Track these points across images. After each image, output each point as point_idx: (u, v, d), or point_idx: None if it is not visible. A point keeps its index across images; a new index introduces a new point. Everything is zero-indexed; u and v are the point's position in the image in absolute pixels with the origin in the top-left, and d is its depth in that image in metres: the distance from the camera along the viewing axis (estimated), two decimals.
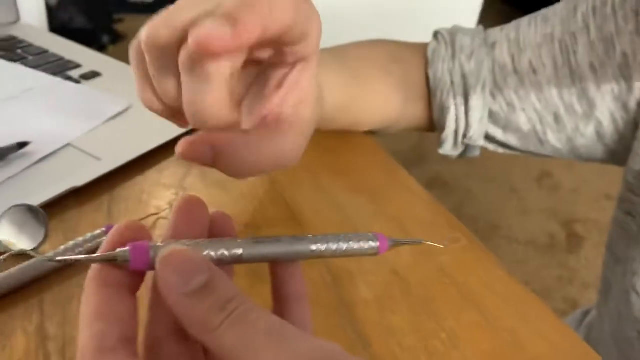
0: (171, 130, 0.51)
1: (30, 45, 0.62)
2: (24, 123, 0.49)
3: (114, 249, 0.21)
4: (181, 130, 0.51)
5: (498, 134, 0.53)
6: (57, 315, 0.34)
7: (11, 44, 0.62)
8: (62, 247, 0.37)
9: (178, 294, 0.19)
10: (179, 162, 0.49)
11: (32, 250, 0.38)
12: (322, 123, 0.45)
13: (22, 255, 0.37)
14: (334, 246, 0.24)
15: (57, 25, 0.69)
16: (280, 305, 0.25)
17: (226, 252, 0.22)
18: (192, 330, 0.20)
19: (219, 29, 0.21)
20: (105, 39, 2.54)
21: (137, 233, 0.22)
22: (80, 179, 0.43)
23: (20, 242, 0.38)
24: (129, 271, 0.21)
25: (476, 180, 1.93)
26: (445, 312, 0.38)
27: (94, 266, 0.21)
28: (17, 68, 0.56)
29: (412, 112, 0.55)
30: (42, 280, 0.36)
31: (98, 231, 0.38)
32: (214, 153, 0.25)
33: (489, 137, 0.54)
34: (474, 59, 0.51)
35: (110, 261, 0.21)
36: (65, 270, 0.37)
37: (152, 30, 0.25)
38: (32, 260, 0.36)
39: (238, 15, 0.22)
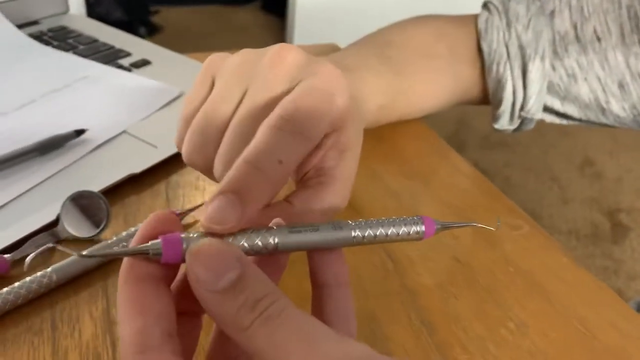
0: None
1: (80, 34, 0.63)
2: (80, 111, 0.49)
3: (146, 242, 0.20)
4: None
5: (556, 104, 0.52)
6: None
7: (62, 33, 0.63)
8: (124, 233, 0.37)
9: (208, 291, 0.19)
10: None
11: (94, 235, 0.38)
12: (367, 125, 0.45)
13: (86, 241, 0.38)
14: (375, 232, 0.23)
15: (95, 17, 0.69)
16: (319, 291, 0.24)
17: (260, 243, 0.21)
18: (224, 327, 0.19)
19: (227, 213, 0.21)
20: (142, 30, 2.58)
21: (170, 224, 0.21)
22: (138, 166, 0.43)
23: (83, 227, 0.38)
24: (162, 264, 0.20)
25: (515, 168, 1.89)
26: (511, 300, 0.37)
27: (126, 260, 0.21)
28: (70, 57, 0.57)
29: (463, 89, 0.54)
30: (105, 266, 0.36)
31: None
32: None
33: (546, 109, 0.53)
34: (531, 29, 0.49)
35: (143, 254, 0.20)
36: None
37: (187, 158, 0.30)
38: (94, 247, 0.36)
39: (244, 190, 0.22)
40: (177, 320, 0.21)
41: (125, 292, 0.20)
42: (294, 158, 0.24)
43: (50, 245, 0.31)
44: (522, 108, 0.52)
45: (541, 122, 0.55)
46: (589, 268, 0.40)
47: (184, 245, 0.20)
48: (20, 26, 0.60)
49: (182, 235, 0.20)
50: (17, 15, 0.61)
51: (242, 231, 0.21)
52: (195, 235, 0.20)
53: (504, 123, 0.54)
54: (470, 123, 2.02)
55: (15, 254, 0.35)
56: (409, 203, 0.45)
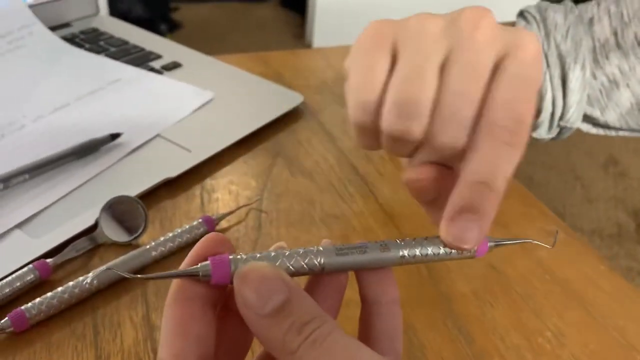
0: (254, 121, 0.51)
1: (111, 36, 0.63)
2: (113, 114, 0.50)
3: (197, 263, 0.21)
4: (263, 122, 0.51)
5: (596, 113, 0.51)
6: (161, 306, 0.34)
7: (94, 36, 0.63)
8: (162, 238, 0.37)
9: (256, 315, 0.19)
10: (264, 153, 0.49)
11: (132, 239, 0.38)
12: None
13: (124, 246, 0.38)
14: (425, 251, 0.23)
15: (117, 14, 0.70)
16: (368, 308, 0.24)
17: (306, 265, 0.22)
18: (271, 351, 0.19)
19: (474, 234, 0.22)
20: (163, 27, 2.59)
21: (220, 246, 0.22)
22: (173, 170, 0.43)
23: (121, 232, 0.38)
24: (211, 285, 0.21)
25: (538, 167, 1.87)
26: (548, 309, 0.36)
27: (175, 281, 0.21)
28: (102, 60, 0.58)
29: None
30: (145, 271, 0.37)
31: (195, 222, 0.39)
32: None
33: (586, 117, 0.52)
34: (570, 38, 0.49)
35: (193, 276, 0.20)
36: (166, 261, 0.37)
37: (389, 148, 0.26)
38: (134, 251, 0.36)
39: (482, 211, 0.22)
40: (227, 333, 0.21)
41: (170, 312, 0.20)
42: (513, 169, 0.24)
43: (104, 268, 0.31)
44: (561, 117, 0.51)
45: None
46: (613, 268, 0.40)
47: (233, 268, 0.20)
48: (52, 28, 0.61)
49: (231, 257, 0.21)
50: (49, 17, 0.62)
51: (290, 253, 0.21)
52: (243, 257, 0.21)
53: (542, 132, 0.53)
54: None
55: (57, 259, 0.36)
56: None
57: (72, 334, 0.32)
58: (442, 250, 0.23)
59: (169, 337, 0.20)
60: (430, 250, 0.23)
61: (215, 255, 0.21)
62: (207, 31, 2.59)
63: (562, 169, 1.88)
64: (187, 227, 0.38)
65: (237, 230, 0.41)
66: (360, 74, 0.26)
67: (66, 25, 0.65)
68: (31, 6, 0.61)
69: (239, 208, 0.42)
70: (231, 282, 0.20)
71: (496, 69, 0.25)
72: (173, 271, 0.20)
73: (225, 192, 0.44)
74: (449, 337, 0.34)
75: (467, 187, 0.23)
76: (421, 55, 0.25)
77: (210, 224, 0.39)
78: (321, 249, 0.22)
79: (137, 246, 0.38)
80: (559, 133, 0.53)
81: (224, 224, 0.41)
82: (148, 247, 0.37)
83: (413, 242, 0.23)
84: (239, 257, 0.21)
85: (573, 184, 1.82)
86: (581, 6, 0.51)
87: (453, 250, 0.23)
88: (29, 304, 0.32)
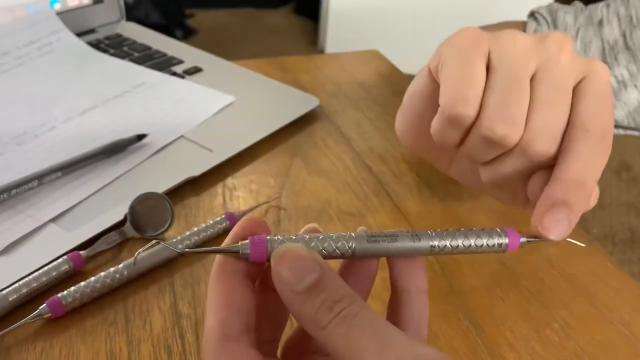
0: (273, 124, 0.53)
1: (134, 42, 0.66)
2: (139, 117, 0.52)
3: (237, 242, 0.23)
4: (281, 124, 0.53)
5: None
6: (188, 296, 0.37)
7: (118, 41, 0.66)
8: (188, 233, 0.40)
9: (290, 291, 0.21)
10: (282, 153, 0.51)
11: (159, 233, 0.40)
12: None
13: (151, 240, 0.40)
14: (456, 243, 0.23)
15: (134, 20, 0.72)
16: (397, 296, 0.25)
17: (338, 250, 0.23)
18: (304, 325, 0.21)
19: (567, 226, 0.25)
20: (179, 33, 2.63)
21: (259, 228, 0.24)
22: (197, 169, 0.46)
23: (149, 227, 0.41)
24: (249, 262, 0.23)
25: None
26: (556, 303, 0.38)
27: (218, 257, 0.23)
28: (127, 65, 0.60)
29: None
30: (171, 263, 0.39)
31: (218, 218, 0.41)
32: None
33: None
34: (579, 39, 0.50)
35: (233, 253, 0.22)
36: (191, 255, 0.39)
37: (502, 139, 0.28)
38: (162, 245, 0.39)
39: (574, 205, 0.25)
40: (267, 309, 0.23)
41: (215, 285, 0.22)
42: (601, 171, 0.27)
43: (154, 242, 0.33)
44: None
45: None
46: (620, 266, 0.41)
47: (269, 247, 0.22)
48: (78, 34, 0.64)
49: (268, 238, 0.22)
50: (75, 24, 0.65)
51: (323, 237, 0.23)
52: (280, 238, 0.23)
53: None
54: None
55: (89, 251, 0.38)
56: (455, 208, 0.46)
57: (105, 321, 0.35)
58: (472, 243, 0.24)
59: (215, 306, 0.22)
60: (460, 242, 0.23)
61: (253, 235, 0.23)
62: (221, 37, 2.62)
63: None
64: (211, 222, 0.40)
65: None
66: (461, 69, 0.28)
67: (91, 31, 0.68)
68: (58, 13, 0.64)
69: (259, 205, 0.44)
70: (268, 261, 0.22)
71: (576, 88, 0.28)
72: (217, 247, 0.23)
73: (246, 190, 0.46)
74: (460, 328, 0.36)
75: (563, 183, 0.25)
76: (517, 67, 0.28)
77: (233, 219, 0.41)
78: (353, 234, 0.23)
79: (164, 240, 0.40)
80: None
81: None
82: (174, 240, 0.39)
83: (444, 234, 0.24)
84: (275, 238, 0.22)
85: None
86: (591, 7, 0.53)
87: (483, 244, 0.24)
88: (65, 292, 0.34)
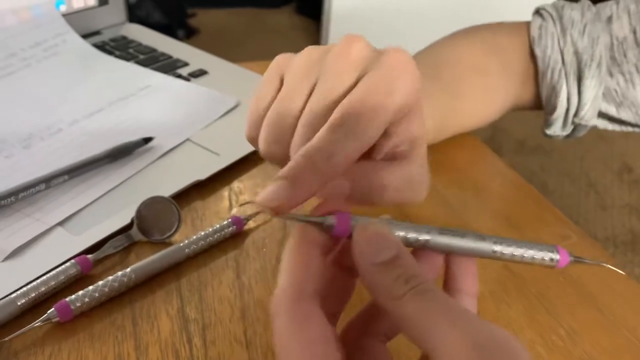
0: None
1: (139, 44, 0.66)
2: (144, 119, 0.52)
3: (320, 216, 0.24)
4: None
5: (612, 110, 0.52)
6: (195, 300, 0.37)
7: (123, 43, 0.66)
8: (195, 237, 0.40)
9: (368, 263, 0.22)
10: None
11: (166, 237, 0.41)
12: None
13: (157, 244, 0.40)
14: (515, 251, 0.24)
15: (135, 21, 0.72)
16: (452, 297, 0.26)
17: (414, 236, 0.24)
18: (377, 296, 0.22)
19: (278, 194, 0.24)
20: (181, 33, 2.63)
21: (339, 206, 0.25)
22: (203, 173, 0.46)
23: (155, 230, 0.41)
24: (329, 235, 0.24)
25: (552, 174, 1.88)
26: (562, 308, 0.38)
27: (299, 226, 0.24)
28: (133, 67, 0.60)
29: (515, 99, 0.55)
30: (178, 267, 0.39)
31: (225, 222, 0.41)
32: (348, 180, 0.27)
33: (601, 114, 0.53)
34: (587, 35, 0.50)
35: (318, 224, 0.24)
36: (198, 258, 0.40)
37: (264, 151, 0.30)
38: (169, 249, 0.39)
39: (295, 178, 0.24)
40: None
41: (294, 250, 0.23)
42: (345, 156, 0.26)
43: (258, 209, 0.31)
44: (576, 114, 0.52)
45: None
46: (626, 272, 0.41)
47: (352, 223, 0.23)
48: (83, 36, 0.64)
49: (352, 215, 0.24)
50: (80, 26, 0.65)
51: (400, 224, 0.24)
52: (362, 217, 0.24)
53: (557, 129, 0.55)
54: (506, 128, 2.01)
55: (96, 255, 0.38)
56: (460, 212, 0.46)
57: (113, 325, 0.35)
58: (530, 254, 0.24)
59: (292, 268, 0.23)
60: (520, 252, 0.24)
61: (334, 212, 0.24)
62: (223, 37, 2.63)
63: (576, 176, 1.89)
64: (218, 226, 0.41)
65: (263, 230, 0.43)
66: (252, 100, 0.32)
67: (96, 33, 0.68)
68: (64, 15, 0.64)
69: (250, 202, 0.44)
70: (348, 236, 0.23)
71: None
72: (304, 216, 0.24)
73: (252, 194, 0.46)
74: None
75: (292, 159, 0.26)
76: (292, 85, 0.30)
77: (239, 223, 0.41)
78: (426, 226, 0.24)
79: (170, 244, 0.40)
80: (574, 130, 0.54)
81: (251, 224, 0.43)
82: (182, 244, 0.39)
83: (503, 241, 0.24)
84: (358, 216, 0.24)
85: (587, 191, 1.83)
86: (599, 5, 0.52)
87: (539, 257, 0.25)
88: (73, 296, 0.35)
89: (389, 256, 0.22)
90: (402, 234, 0.24)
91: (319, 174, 0.25)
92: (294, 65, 0.31)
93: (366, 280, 0.22)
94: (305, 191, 0.24)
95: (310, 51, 0.31)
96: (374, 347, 0.25)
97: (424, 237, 0.24)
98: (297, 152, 0.26)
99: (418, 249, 0.25)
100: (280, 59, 0.32)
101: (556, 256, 0.25)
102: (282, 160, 0.30)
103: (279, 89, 0.31)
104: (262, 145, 0.31)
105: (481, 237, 0.24)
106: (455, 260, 0.26)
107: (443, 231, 0.24)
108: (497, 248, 0.24)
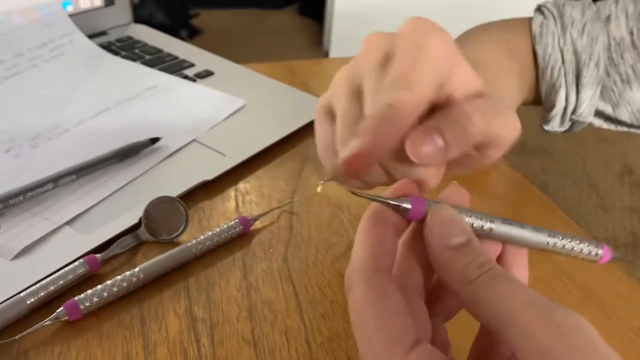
0: (284, 128, 0.53)
1: (145, 45, 0.66)
2: (151, 120, 0.52)
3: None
4: (292, 129, 0.53)
5: (608, 109, 0.52)
6: (202, 300, 0.37)
7: (129, 44, 0.66)
8: (202, 236, 0.40)
9: (441, 245, 0.22)
10: (293, 158, 0.51)
11: (174, 237, 0.41)
12: None
13: (165, 244, 0.41)
14: (564, 243, 0.25)
15: (140, 21, 0.73)
16: None
17: (480, 224, 0.24)
18: (448, 279, 0.22)
19: (362, 146, 0.25)
20: (184, 33, 2.63)
21: (412, 191, 0.25)
22: (210, 173, 0.46)
23: (163, 230, 0.41)
24: (404, 218, 0.24)
25: (553, 175, 1.88)
26: None
27: (373, 204, 0.24)
28: (139, 67, 0.60)
29: (525, 98, 0.55)
30: (186, 267, 0.39)
31: (232, 222, 0.41)
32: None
33: (598, 113, 0.54)
34: (586, 34, 0.50)
35: (394, 206, 0.24)
36: (205, 258, 0.40)
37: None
38: (177, 248, 0.39)
39: (372, 130, 0.25)
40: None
41: (369, 226, 0.23)
42: (408, 108, 0.26)
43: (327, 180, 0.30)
44: (573, 112, 0.53)
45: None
46: (630, 274, 0.41)
47: (427, 207, 0.24)
48: (89, 37, 0.64)
49: (426, 199, 0.24)
50: (86, 26, 0.65)
51: (467, 211, 0.25)
52: (436, 202, 0.24)
53: (555, 125, 0.55)
54: None
55: (105, 254, 0.38)
56: None
57: (121, 324, 0.35)
58: (578, 248, 0.26)
59: (369, 242, 0.23)
60: (570, 245, 0.25)
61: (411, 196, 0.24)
62: (226, 37, 2.63)
63: (577, 177, 1.89)
64: (225, 226, 0.41)
65: (270, 230, 0.43)
66: (319, 147, 0.32)
67: (102, 33, 0.68)
68: (70, 15, 0.64)
69: (271, 210, 0.44)
70: (422, 220, 0.24)
71: None
72: (381, 197, 0.24)
73: (258, 194, 0.47)
74: (473, 334, 0.36)
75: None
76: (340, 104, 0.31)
77: (246, 223, 0.42)
78: (490, 215, 0.25)
79: (178, 244, 0.40)
80: (571, 127, 0.55)
81: (258, 224, 0.43)
82: (189, 244, 0.39)
83: (556, 233, 0.25)
84: (433, 201, 0.24)
85: (588, 193, 1.83)
86: (599, 3, 0.53)
87: (586, 250, 0.26)
88: (82, 295, 0.35)
89: (462, 241, 0.22)
90: (470, 220, 0.24)
91: (389, 123, 0.25)
92: (335, 90, 0.32)
93: (438, 262, 0.23)
94: (383, 140, 0.25)
95: (342, 69, 0.33)
96: (433, 325, 0.25)
97: (488, 225, 0.25)
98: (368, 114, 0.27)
99: (479, 236, 0.25)
100: (321, 100, 0.33)
101: (600, 251, 0.26)
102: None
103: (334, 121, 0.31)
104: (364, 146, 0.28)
105: (537, 229, 0.25)
106: (510, 249, 0.26)
107: (505, 221, 0.25)
108: (551, 240, 0.25)
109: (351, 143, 0.25)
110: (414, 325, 0.22)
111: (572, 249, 0.26)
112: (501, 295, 0.20)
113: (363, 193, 0.25)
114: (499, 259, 0.27)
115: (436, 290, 0.27)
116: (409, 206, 0.24)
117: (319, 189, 0.26)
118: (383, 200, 0.24)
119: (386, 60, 0.29)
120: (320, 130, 0.32)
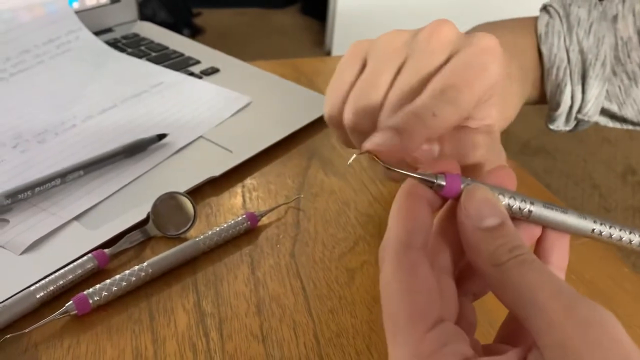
0: (290, 125, 0.53)
1: (151, 42, 0.66)
2: (157, 116, 0.52)
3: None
4: (299, 126, 0.53)
5: (614, 108, 0.52)
6: (211, 295, 0.37)
7: (135, 41, 0.66)
8: (210, 232, 0.40)
9: (474, 226, 0.22)
10: (300, 154, 0.51)
11: (181, 233, 0.41)
12: None
13: (172, 239, 0.41)
14: (614, 233, 0.25)
15: (143, 18, 0.73)
16: None
17: (519, 206, 0.24)
18: (477, 260, 0.22)
19: (385, 141, 0.25)
20: (186, 32, 2.63)
21: (450, 168, 0.25)
22: (217, 169, 0.46)
23: (171, 226, 0.41)
24: (438, 195, 0.24)
25: (555, 175, 1.88)
26: None
27: (409, 180, 0.24)
28: (145, 64, 0.60)
29: (527, 98, 0.55)
30: (194, 262, 0.39)
31: (239, 218, 0.41)
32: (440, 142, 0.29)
33: (603, 111, 0.54)
34: (592, 34, 0.50)
35: (428, 182, 0.24)
36: (213, 253, 0.40)
37: (351, 123, 0.30)
38: (185, 244, 0.39)
39: (402, 128, 0.25)
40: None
41: (404, 202, 0.23)
42: (445, 118, 0.27)
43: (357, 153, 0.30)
44: (579, 111, 0.53)
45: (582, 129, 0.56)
46: (637, 271, 0.42)
47: (462, 185, 0.24)
48: (95, 34, 0.64)
49: (462, 177, 0.24)
50: (92, 23, 0.65)
51: (506, 192, 0.24)
52: (472, 180, 0.24)
53: (560, 124, 0.55)
54: (510, 129, 1.99)
55: (113, 249, 0.38)
56: None
57: (130, 319, 0.35)
58: (625, 237, 0.25)
59: (403, 217, 0.23)
60: (617, 234, 0.25)
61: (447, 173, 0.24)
62: (228, 36, 2.63)
63: (580, 177, 1.89)
64: (232, 222, 0.41)
65: (276, 226, 0.43)
66: (333, 81, 0.32)
67: (108, 30, 0.69)
68: (77, 12, 0.64)
69: (278, 206, 0.44)
70: (456, 197, 0.24)
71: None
72: (415, 173, 0.24)
73: (265, 190, 0.47)
74: (479, 330, 0.36)
75: (396, 115, 0.27)
76: (379, 63, 0.30)
77: (254, 219, 0.42)
78: (531, 198, 0.24)
79: (185, 239, 0.40)
80: (576, 125, 0.55)
81: (265, 220, 0.43)
82: (197, 239, 0.39)
83: (600, 221, 0.25)
84: (467, 179, 0.24)
85: (591, 193, 1.83)
86: (606, 2, 0.53)
87: (633, 240, 0.25)
88: (90, 290, 0.35)
89: (495, 223, 0.22)
90: (508, 201, 0.24)
91: (424, 127, 0.26)
92: (381, 46, 0.31)
93: (469, 242, 0.22)
94: (410, 141, 0.25)
95: (396, 33, 0.31)
96: (462, 303, 0.25)
97: (528, 207, 0.24)
98: (402, 110, 0.27)
99: (518, 218, 0.25)
100: (360, 43, 0.32)
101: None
102: (368, 131, 0.30)
103: (361, 71, 0.31)
104: (348, 118, 0.31)
105: (582, 215, 0.25)
106: (552, 233, 0.26)
107: (547, 205, 0.24)
108: (597, 228, 0.25)
109: (375, 137, 0.25)
110: (439, 304, 0.22)
111: (621, 238, 0.25)
112: (529, 283, 0.20)
113: (398, 168, 0.24)
114: (539, 242, 0.26)
115: (467, 268, 0.27)
116: (443, 183, 0.23)
117: (350, 162, 0.26)
118: (418, 176, 0.24)
119: (450, 56, 0.29)
120: (343, 69, 0.31)
